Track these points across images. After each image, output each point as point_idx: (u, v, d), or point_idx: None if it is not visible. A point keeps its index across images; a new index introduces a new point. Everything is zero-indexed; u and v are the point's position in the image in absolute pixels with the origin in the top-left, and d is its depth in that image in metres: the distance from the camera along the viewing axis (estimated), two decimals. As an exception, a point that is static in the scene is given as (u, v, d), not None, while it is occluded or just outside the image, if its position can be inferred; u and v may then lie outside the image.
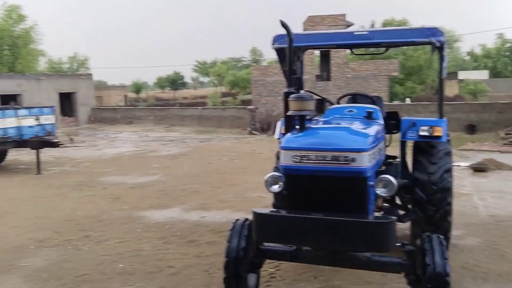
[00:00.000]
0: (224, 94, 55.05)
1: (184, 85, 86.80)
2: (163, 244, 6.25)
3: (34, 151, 12.72)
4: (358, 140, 3.83)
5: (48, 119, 13.49)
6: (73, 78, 32.20)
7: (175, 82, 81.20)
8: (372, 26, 42.50)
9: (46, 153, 14.40)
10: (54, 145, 13.20)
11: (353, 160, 3.65)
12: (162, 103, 52.59)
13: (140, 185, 10.46)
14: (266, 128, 22.52)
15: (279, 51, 5.44)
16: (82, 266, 5.51)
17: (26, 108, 13.61)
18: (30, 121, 12.94)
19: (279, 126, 5.60)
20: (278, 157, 4.92)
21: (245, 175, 11.32)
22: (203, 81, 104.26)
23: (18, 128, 12.65)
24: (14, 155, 14.98)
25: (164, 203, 8.64)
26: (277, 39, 5.33)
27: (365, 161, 3.69)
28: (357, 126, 4.33)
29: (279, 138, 5.53)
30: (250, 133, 22.30)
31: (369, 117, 4.82)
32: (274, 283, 4.91)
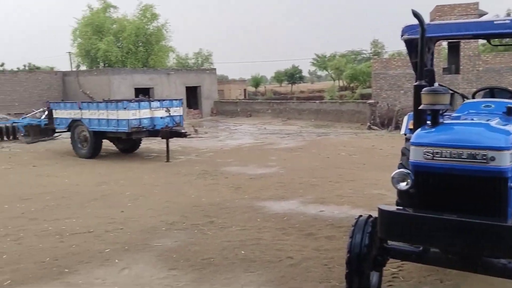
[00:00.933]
0: (342, 88, 54.23)
1: (301, 79, 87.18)
2: (282, 235, 6.36)
3: (164, 140, 13.74)
4: (498, 138, 3.52)
5: (177, 111, 14.45)
6: (198, 73, 34.08)
7: (293, 76, 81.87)
8: (508, 15, 38.70)
9: (174, 143, 15.46)
10: (182, 135, 14.13)
11: (492, 159, 3.36)
12: (279, 97, 53.47)
13: (259, 176, 10.76)
14: (386, 123, 21.75)
15: (409, 43, 5.18)
16: (207, 250, 5.83)
17: (158, 100, 14.70)
18: (161, 113, 13.97)
19: (406, 121, 5.36)
20: (403, 154, 4.71)
21: (364, 171, 11.06)
22: (321, 75, 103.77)
23: (151, 119, 13.72)
24: (146, 143, 16.30)
25: (283, 195, 8.78)
26: (406, 29, 5.09)
27: (506, 160, 3.39)
28: (496, 122, 3.98)
29: (405, 134, 5.30)
30: (370, 128, 21.70)
31: (509, 113, 4.40)
32: (397, 283, 4.74)
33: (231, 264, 5.36)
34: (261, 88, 75.51)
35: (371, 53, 65.08)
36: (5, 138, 18.58)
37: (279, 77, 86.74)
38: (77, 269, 5.28)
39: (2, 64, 41.50)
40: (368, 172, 10.89)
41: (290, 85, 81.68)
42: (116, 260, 5.54)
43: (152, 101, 14.39)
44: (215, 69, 36.38)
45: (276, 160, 13.04)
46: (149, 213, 7.63)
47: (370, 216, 4.11)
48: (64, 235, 6.51)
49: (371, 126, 21.90)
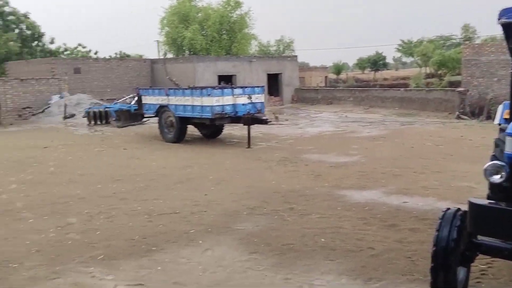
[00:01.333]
0: (428, 75, 51.69)
1: (385, 66, 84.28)
2: (363, 224, 6.26)
3: (245, 126, 13.98)
4: None
5: (258, 98, 14.60)
6: (279, 60, 34.14)
7: (376, 62, 79.35)
8: None
9: (255, 129, 15.67)
10: (263, 122, 14.29)
11: None
12: (362, 84, 52.15)
13: (340, 164, 10.63)
14: (477, 112, 20.47)
15: (506, 27, 4.82)
16: (287, 235, 5.90)
17: (241, 87, 14.95)
18: (243, 100, 14.19)
19: (501, 110, 5.03)
20: (497, 145, 4.43)
21: (451, 162, 10.53)
22: (406, 62, 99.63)
23: (234, 105, 14.00)
24: (228, 129, 16.69)
25: (364, 184, 8.62)
26: (505, 12, 4.73)
27: None
28: None
29: (500, 124, 4.98)
30: (458, 117, 20.56)
31: None
32: (486, 280, 4.50)
33: (311, 251, 5.38)
34: (342, 75, 74.09)
35: (461, 38, 61.34)
36: (98, 122, 19.87)
37: (361, 64, 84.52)
38: (164, 248, 5.57)
39: (96, 52, 44.35)
40: (456, 163, 10.35)
41: (373, 72, 79.32)
42: (200, 241, 5.77)
43: (235, 88, 14.66)
44: (296, 56, 36.26)
45: (358, 149, 12.80)
46: (231, 197, 7.84)
47: (458, 209, 3.93)
48: (152, 215, 6.89)
49: (460, 115, 20.73)
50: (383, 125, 18.57)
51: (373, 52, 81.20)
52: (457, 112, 21.01)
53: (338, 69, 77.46)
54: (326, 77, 55.95)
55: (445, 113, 21.96)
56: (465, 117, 20.49)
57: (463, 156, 11.17)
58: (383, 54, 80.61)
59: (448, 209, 3.99)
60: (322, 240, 5.70)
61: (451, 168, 9.87)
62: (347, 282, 4.62)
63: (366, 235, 5.85)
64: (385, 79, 64.05)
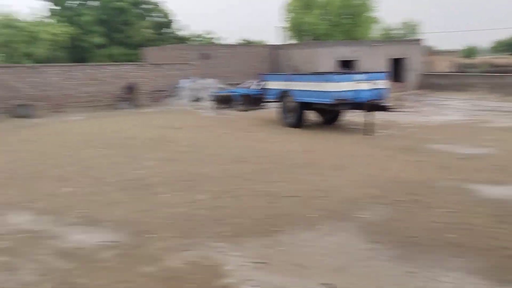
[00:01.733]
0: None
1: (527, 49, 76.00)
2: (497, 222, 5.82)
3: (366, 113, 13.65)
4: None
5: (381, 84, 14.16)
6: (403, 44, 32.56)
7: (515, 45, 71.91)
8: None
9: (377, 116, 15.21)
10: (386, 109, 13.84)
11: None
12: (497, 69, 47.69)
13: (471, 156, 9.93)
14: None
15: None
16: (410, 227, 5.71)
17: (363, 73, 14.60)
18: (365, 85, 13.86)
19: None
20: None
21: None
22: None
23: (355, 91, 13.73)
24: (348, 115, 16.43)
25: (499, 179, 7.97)
26: None
27: None
28: None
29: None
30: None
31: None
32: None
33: (437, 246, 5.15)
34: (475, 60, 68.41)
35: None
36: (223, 106, 20.84)
37: (498, 48, 77.22)
38: (286, 230, 5.74)
39: (222, 39, 46.33)
40: None
41: (511, 56, 71.99)
42: (320, 226, 5.84)
43: (356, 73, 14.36)
44: (422, 39, 34.25)
45: (491, 140, 11.82)
46: (351, 184, 7.78)
47: None
48: (275, 196, 7.12)
49: None
50: (521, 115, 16.88)
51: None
52: None
53: (470, 53, 71.74)
54: (455, 61, 52.17)
55: None
56: None
57: None
58: (525, 36, 72.69)
59: None
60: (450, 235, 5.42)
61: None
62: (477, 282, 4.36)
63: (500, 233, 5.45)
64: (526, 63, 57.77)
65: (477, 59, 69.04)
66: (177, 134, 13.72)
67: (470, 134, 12.91)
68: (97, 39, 35.83)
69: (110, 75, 22.73)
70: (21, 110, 19.17)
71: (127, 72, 23.27)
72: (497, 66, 57.22)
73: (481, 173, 8.37)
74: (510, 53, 72.81)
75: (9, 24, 29.83)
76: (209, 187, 7.70)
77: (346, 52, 28.67)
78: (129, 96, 22.48)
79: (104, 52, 36.47)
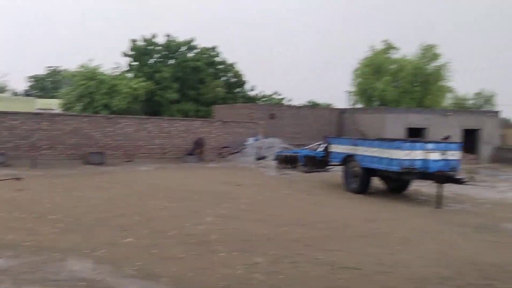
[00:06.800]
0: None
1: None
2: None
3: (436, 184, 13.02)
4: None
5: (454, 155, 13.55)
6: (478, 115, 31.47)
7: None
8: None
9: (447, 189, 14.48)
10: (458, 181, 13.14)
11: None
12: None
13: (554, 241, 9.06)
14: None
15: None
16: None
17: (434, 142, 14.09)
18: (436, 155, 13.32)
19: None
20: None
21: None
22: None
23: (425, 160, 13.21)
24: (416, 186, 15.77)
25: None
26: None
27: None
28: None
29: None
30: None
31: None
32: None
33: None
34: (555, 135, 64.40)
35: None
36: (286, 166, 20.79)
37: None
38: (345, 304, 5.39)
39: (290, 100, 47.16)
40: None
41: None
42: (384, 304, 5.44)
43: (427, 142, 13.88)
44: (498, 111, 32.93)
45: None
46: (418, 261, 7.27)
47: None
48: (334, 267, 6.77)
49: None
50: None
51: None
52: None
53: (550, 128, 67.66)
54: (534, 136, 49.36)
55: None
56: None
57: None
58: None
59: None
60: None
61: None
62: None
63: None
64: None
65: (559, 135, 64.91)
66: (239, 191, 13.75)
67: (553, 216, 11.87)
68: (172, 95, 37.67)
69: (181, 129, 23.60)
70: (94, 158, 20.17)
71: (197, 128, 24.07)
72: None
73: None
74: None
75: (92, 77, 32.18)
76: (267, 250, 7.49)
77: (416, 119, 28.09)
78: (197, 151, 23.09)
79: (177, 107, 38.14)
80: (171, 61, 41.30)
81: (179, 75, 39.43)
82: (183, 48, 41.81)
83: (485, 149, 29.32)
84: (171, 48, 41.04)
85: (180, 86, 39.26)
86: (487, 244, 8.67)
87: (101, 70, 33.97)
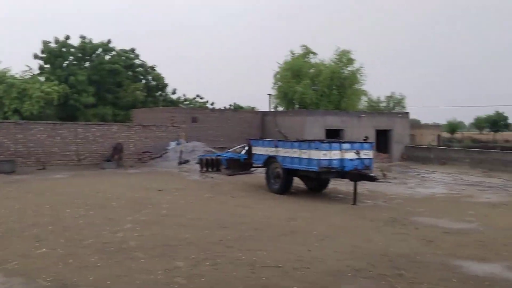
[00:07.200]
0: (560, 139, 46.95)
1: (506, 126, 78.42)
2: (483, 302, 5.66)
3: (352, 182, 13.66)
4: None
5: (367, 154, 14.29)
6: (390, 116, 33.38)
7: (496, 123, 74.19)
8: None
9: (362, 186, 15.24)
10: (371, 179, 13.87)
11: None
12: (479, 145, 48.82)
13: (455, 231, 9.85)
14: None
15: None
16: (395, 304, 5.52)
17: (349, 142, 14.77)
18: (351, 155, 13.97)
19: None
20: None
21: None
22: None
23: (341, 160, 13.82)
24: (333, 184, 16.43)
25: (483, 255, 7.85)
26: None
27: None
28: None
29: None
30: None
31: None
32: None
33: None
34: (457, 135, 70.10)
35: None
36: (209, 169, 20.76)
37: (479, 124, 79.52)
38: (266, 301, 5.50)
39: (213, 103, 47.11)
40: None
41: (492, 133, 74.05)
42: (302, 299, 5.62)
43: (343, 142, 14.53)
44: (407, 113, 35.22)
45: (475, 215, 11.80)
46: (335, 256, 7.60)
47: None
48: (256, 266, 6.89)
49: None
50: (505, 191, 17.00)
51: (493, 111, 76.24)
52: None
53: (453, 127, 73.55)
54: (438, 135, 53.37)
55: None
56: None
57: None
58: (505, 114, 75.25)
59: None
60: (435, 314, 5.24)
61: None
62: None
63: (486, 314, 5.27)
64: (507, 141, 59.44)
65: (460, 134, 70.70)
66: (160, 197, 13.51)
67: (454, 208, 12.90)
68: (88, 99, 36.21)
69: (98, 134, 22.73)
70: (3, 166, 18.88)
71: (115, 133, 23.30)
72: (479, 141, 58.59)
73: (466, 249, 8.26)
74: (491, 129, 74.84)
75: (1, 80, 30.11)
76: (188, 254, 7.45)
77: (334, 121, 29.25)
78: (115, 156, 22.36)
79: (94, 112, 36.73)
80: (87, 64, 39.73)
81: (96, 79, 38.01)
82: (99, 51, 40.36)
83: (396, 148, 31.17)
84: (87, 50, 39.47)
85: (96, 90, 37.84)
86: (398, 236, 9.24)
87: (10, 73, 31.86)
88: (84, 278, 6.18)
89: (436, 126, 61.37)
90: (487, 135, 73.86)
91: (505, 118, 75.94)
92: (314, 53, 39.53)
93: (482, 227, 10.35)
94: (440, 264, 7.26)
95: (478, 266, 7.20)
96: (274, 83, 39.39)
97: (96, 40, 40.35)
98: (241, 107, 49.83)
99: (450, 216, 11.56)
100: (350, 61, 37.55)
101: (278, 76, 38.80)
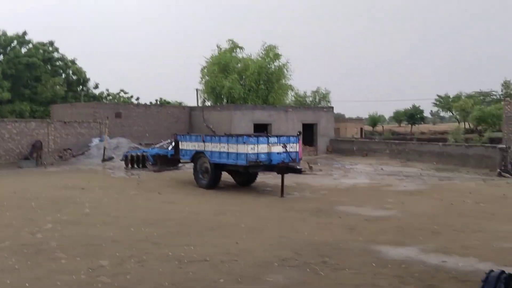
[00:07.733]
0: (468, 131, 50.84)
1: (422, 119, 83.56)
2: (400, 283, 6.00)
3: (279, 175, 13.92)
4: None
5: (293, 147, 14.62)
6: (315, 110, 34.36)
7: (413, 116, 78.80)
8: None
9: (289, 179, 15.56)
10: (298, 171, 14.20)
11: None
12: (398, 137, 51.66)
13: (375, 218, 10.36)
14: (520, 170, 19.72)
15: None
16: (319, 290, 5.70)
17: (276, 136, 15.03)
18: (278, 148, 14.24)
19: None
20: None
21: (493, 222, 10.10)
22: (444, 116, 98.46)
23: (268, 154, 14.03)
24: (262, 178, 16.66)
25: (401, 240, 8.33)
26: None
27: None
28: None
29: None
30: (500, 175, 19.87)
31: None
32: None
33: (344, 308, 5.16)
34: (378, 128, 73.63)
35: (502, 94, 60.48)
36: (135, 166, 20.23)
37: (398, 117, 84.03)
38: (193, 296, 5.46)
39: (138, 98, 45.95)
40: (498, 223, 9.92)
41: (409, 125, 78.57)
42: (229, 291, 5.64)
43: (270, 136, 14.75)
44: (332, 107, 36.42)
45: (394, 203, 12.47)
46: (262, 247, 7.71)
47: (503, 272, 3.72)
48: (183, 261, 6.82)
49: (502, 173, 20.04)
50: (420, 180, 18.12)
51: (410, 105, 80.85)
52: (499, 170, 20.34)
53: (374, 121, 77.09)
54: (361, 128, 55.78)
55: (486, 169, 21.28)
56: (507, 174, 19.77)
57: (506, 216, 10.72)
58: (420, 108, 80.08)
59: (492, 271, 3.79)
60: (356, 297, 5.48)
61: (493, 227, 9.45)
62: None
63: (403, 294, 5.59)
64: (423, 133, 63.30)
65: (380, 127, 74.32)
66: (82, 195, 12.97)
67: (374, 197, 13.55)
68: (3, 94, 33.93)
69: (14, 132, 21.41)
70: None
71: (33, 130, 22.07)
72: (398, 134, 61.93)
73: (385, 235, 8.71)
74: (409, 122, 79.33)
75: None
76: (113, 252, 7.23)
77: (261, 116, 29.58)
78: (34, 155, 21.16)
79: (10, 108, 34.51)
80: (1, 57, 37.20)
81: (11, 73, 35.70)
82: (14, 43, 37.92)
83: (322, 141, 32.17)
84: (0, 43, 36.93)
85: (12, 85, 35.55)
86: (322, 225, 9.55)
87: None
88: (0, 282, 5.81)
89: (359, 120, 64.07)
90: (405, 127, 78.24)
91: (421, 111, 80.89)
92: (241, 48, 39.70)
93: (400, 213, 10.95)
94: (361, 249, 7.60)
95: (396, 250, 7.62)
96: (202, 78, 39.14)
97: (10, 33, 37.90)
98: (168, 102, 49.04)
99: (371, 205, 12.12)
100: (277, 56, 38.12)
101: (205, 70, 38.56)
